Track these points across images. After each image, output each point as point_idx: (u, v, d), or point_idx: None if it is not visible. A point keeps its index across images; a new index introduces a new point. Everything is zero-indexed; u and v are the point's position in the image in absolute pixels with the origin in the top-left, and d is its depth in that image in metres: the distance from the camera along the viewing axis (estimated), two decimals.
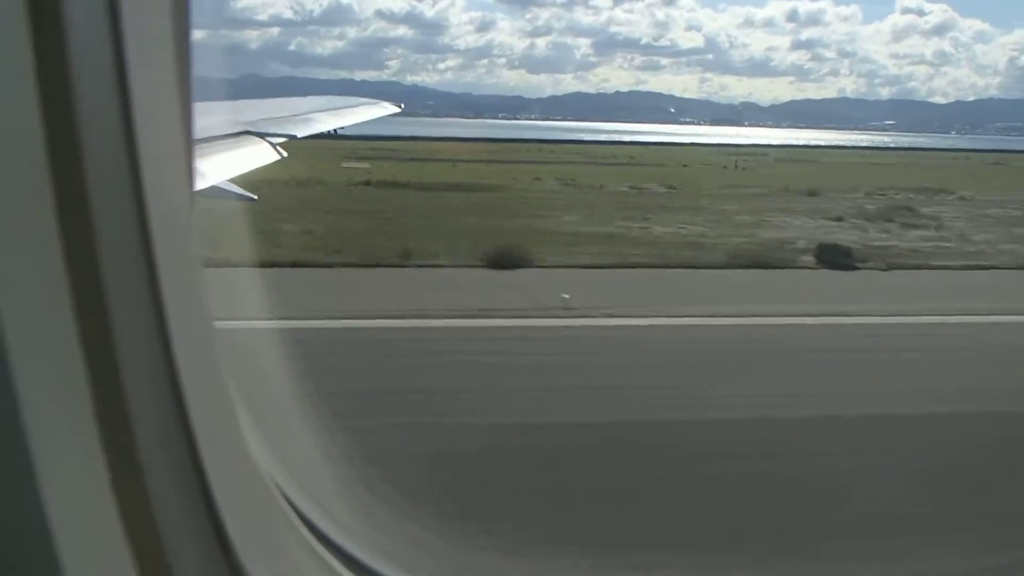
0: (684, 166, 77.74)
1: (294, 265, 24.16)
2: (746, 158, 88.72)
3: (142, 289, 1.38)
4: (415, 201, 42.96)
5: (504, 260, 27.29)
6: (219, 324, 1.79)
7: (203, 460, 1.52)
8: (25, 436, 1.16)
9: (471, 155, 77.10)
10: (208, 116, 7.04)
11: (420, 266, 26.97)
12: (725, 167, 77.88)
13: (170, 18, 1.46)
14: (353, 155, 65.10)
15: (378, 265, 26.76)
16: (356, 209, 38.10)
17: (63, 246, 1.23)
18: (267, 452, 2.28)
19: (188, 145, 1.61)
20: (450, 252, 28.32)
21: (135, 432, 1.36)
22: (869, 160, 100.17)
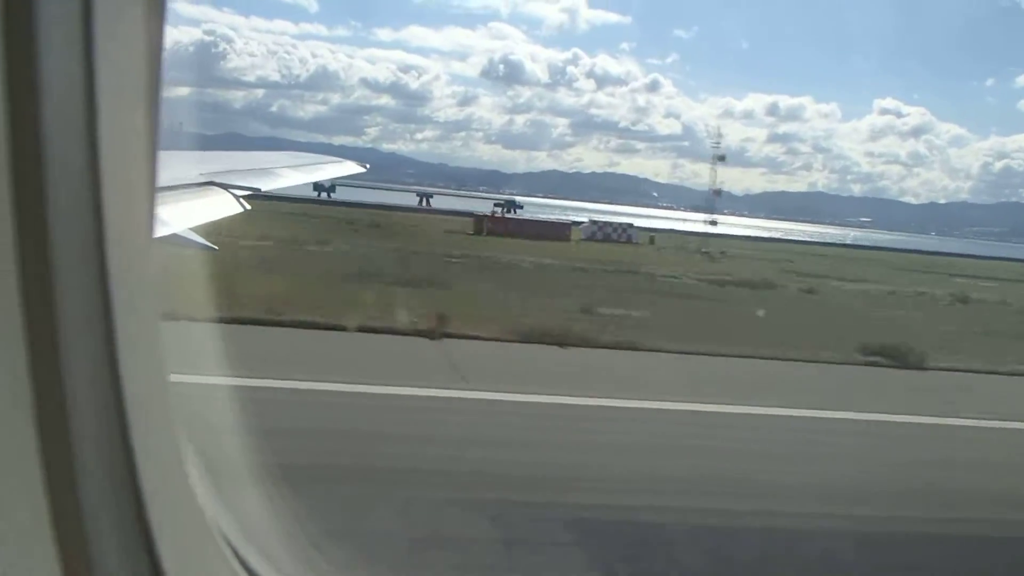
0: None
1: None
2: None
3: (98, 336, 1.37)
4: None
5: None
6: (175, 377, 1.76)
7: (147, 505, 1.49)
8: None
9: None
10: (176, 165, 7.11)
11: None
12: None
13: (143, 71, 1.47)
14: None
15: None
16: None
17: (20, 287, 1.23)
18: (215, 502, 2.25)
19: (151, 195, 1.61)
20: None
21: (78, 480, 1.35)
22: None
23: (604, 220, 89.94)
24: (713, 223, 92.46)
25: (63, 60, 1.26)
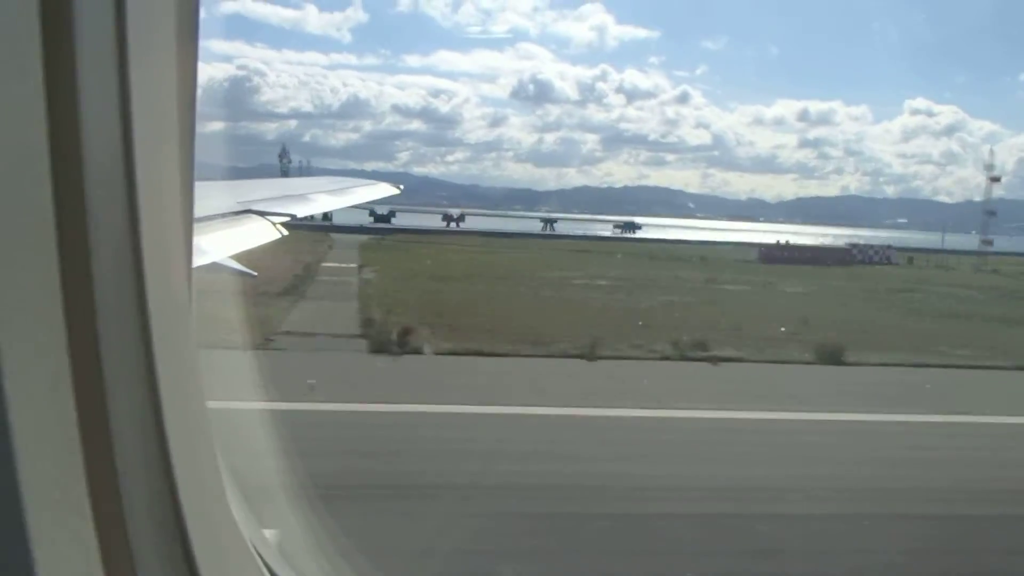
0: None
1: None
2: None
3: (139, 366, 1.40)
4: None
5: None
6: (212, 403, 1.80)
7: (189, 531, 1.52)
8: (23, 517, 1.16)
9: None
10: (213, 195, 7.21)
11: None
12: None
13: (176, 104, 1.51)
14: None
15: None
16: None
17: (65, 320, 1.25)
18: (253, 525, 2.30)
19: (189, 225, 1.64)
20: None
21: (124, 510, 1.38)
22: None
23: (863, 243, 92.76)
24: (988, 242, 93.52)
25: (100, 96, 1.29)
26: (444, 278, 44.75)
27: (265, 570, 2.13)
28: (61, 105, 1.22)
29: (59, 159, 1.22)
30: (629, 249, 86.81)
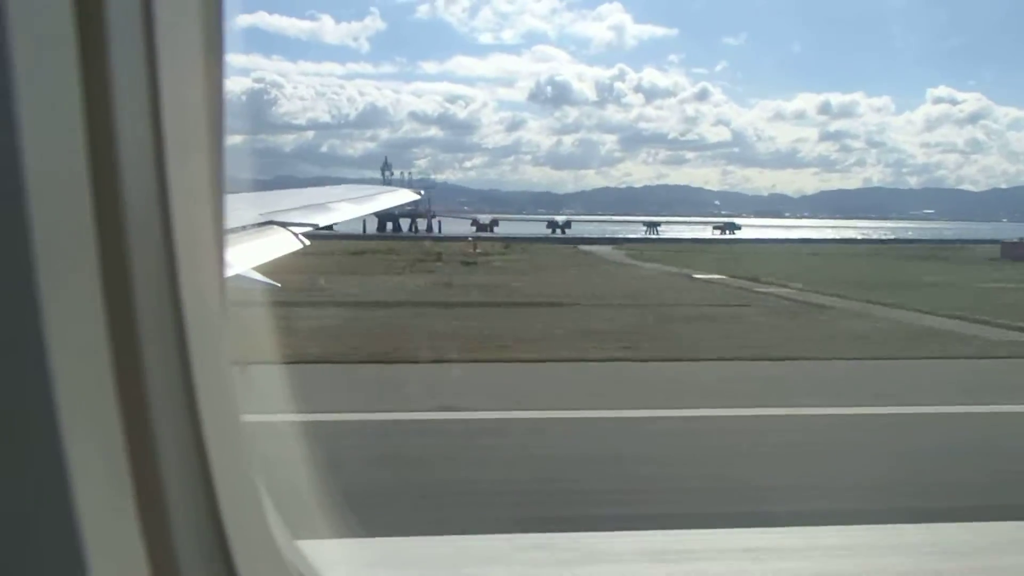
0: None
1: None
2: None
3: (178, 378, 1.43)
4: None
5: None
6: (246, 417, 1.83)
7: (230, 541, 1.55)
8: (79, 532, 1.19)
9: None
10: (235, 208, 7.24)
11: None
12: None
13: (205, 116, 1.54)
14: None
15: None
16: None
17: (109, 338, 1.28)
18: (290, 536, 2.29)
19: (220, 238, 1.65)
20: None
21: (170, 521, 1.41)
22: None
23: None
24: None
25: (133, 112, 1.32)
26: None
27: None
28: (97, 118, 1.25)
29: (97, 172, 1.25)
30: (777, 251, 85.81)
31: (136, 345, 1.34)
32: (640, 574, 8.69)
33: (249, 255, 6.85)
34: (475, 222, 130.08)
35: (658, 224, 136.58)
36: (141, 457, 1.34)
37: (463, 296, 37.77)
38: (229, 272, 6.18)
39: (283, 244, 7.28)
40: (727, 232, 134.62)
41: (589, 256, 75.80)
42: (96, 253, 1.26)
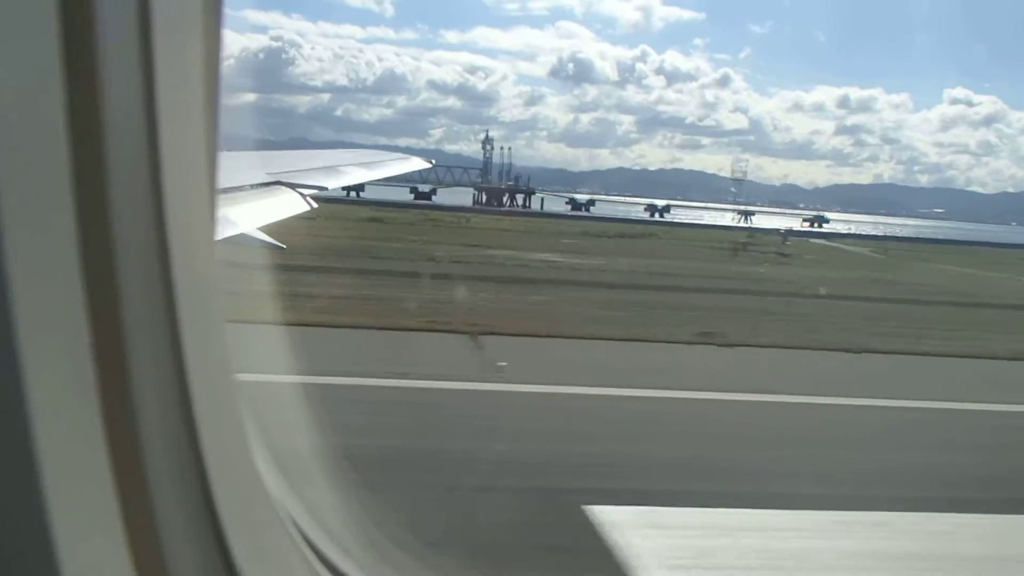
0: None
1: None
2: None
3: (164, 337, 1.39)
4: None
5: None
6: (242, 376, 1.80)
7: (217, 501, 1.51)
8: (41, 486, 1.14)
9: None
10: (243, 166, 7.14)
11: None
12: None
13: (201, 75, 1.50)
14: None
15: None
16: None
17: (86, 291, 1.23)
18: (284, 493, 2.30)
19: (213, 196, 1.63)
20: None
21: (149, 478, 1.36)
22: None
23: None
24: None
25: (123, 67, 1.28)
26: None
27: (299, 538, 2.16)
28: (81, 72, 1.20)
29: (79, 127, 1.20)
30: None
31: (117, 300, 1.28)
32: None
33: (254, 214, 6.76)
34: (571, 201, 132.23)
35: (752, 213, 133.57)
36: (119, 415, 1.29)
37: None
38: (234, 230, 6.09)
39: (289, 205, 7.18)
40: (815, 225, 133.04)
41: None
42: (73, 201, 1.20)
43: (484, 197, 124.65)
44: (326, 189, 7.70)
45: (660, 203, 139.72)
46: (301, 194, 7.30)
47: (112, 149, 1.25)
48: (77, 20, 1.19)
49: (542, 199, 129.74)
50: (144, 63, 1.30)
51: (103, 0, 1.22)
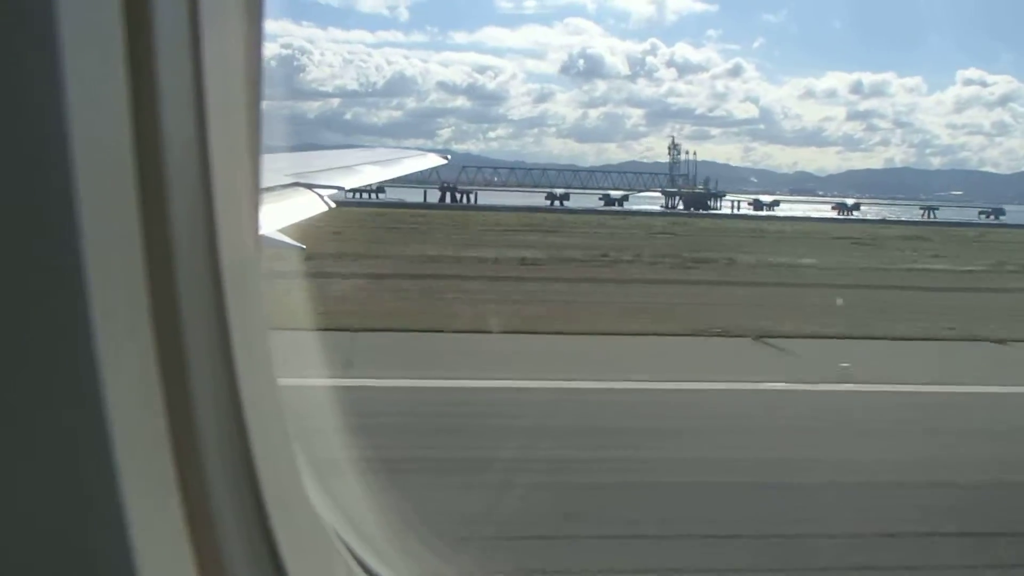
0: None
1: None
2: None
3: (215, 346, 1.42)
4: None
5: None
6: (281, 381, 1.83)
7: (269, 512, 1.55)
8: (120, 497, 1.18)
9: None
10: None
11: None
12: None
13: (244, 85, 1.55)
14: None
15: None
16: None
17: (150, 300, 1.27)
18: (326, 500, 2.37)
19: (256, 200, 1.66)
20: None
21: (208, 486, 1.40)
22: None
23: None
24: None
25: (176, 74, 1.32)
26: None
27: (340, 544, 2.22)
28: (143, 84, 1.25)
29: (142, 139, 1.24)
30: None
31: (176, 306, 1.32)
32: None
33: (276, 216, 6.86)
34: (755, 202, 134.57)
35: (858, 206, 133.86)
36: (181, 424, 1.33)
37: None
38: (266, 232, 6.17)
39: (309, 206, 7.29)
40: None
41: None
42: (138, 214, 1.25)
43: (676, 202, 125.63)
44: (343, 189, 7.80)
45: (849, 202, 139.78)
46: (319, 194, 7.41)
47: (168, 151, 1.29)
48: (137, 26, 1.24)
49: (732, 202, 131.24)
50: (195, 69, 1.35)
51: (160, 6, 1.27)
